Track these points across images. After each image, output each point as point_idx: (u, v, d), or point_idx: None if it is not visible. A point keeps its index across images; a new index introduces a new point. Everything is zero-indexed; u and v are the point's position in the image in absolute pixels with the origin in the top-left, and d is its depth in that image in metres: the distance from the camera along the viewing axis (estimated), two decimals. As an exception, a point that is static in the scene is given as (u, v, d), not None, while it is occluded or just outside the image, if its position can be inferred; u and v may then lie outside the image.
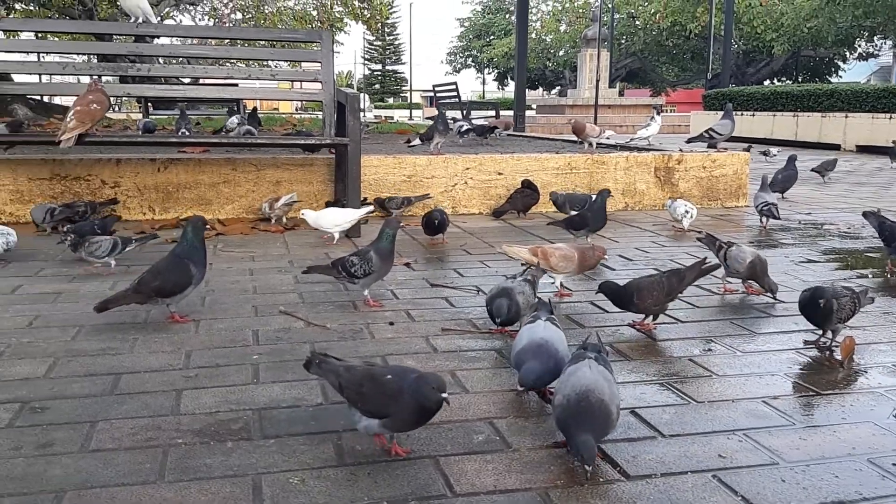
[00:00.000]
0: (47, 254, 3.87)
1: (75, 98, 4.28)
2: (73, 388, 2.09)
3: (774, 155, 10.36)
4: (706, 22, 27.31)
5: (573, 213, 4.81)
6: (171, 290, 2.66)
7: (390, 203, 5.05)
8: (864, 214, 3.91)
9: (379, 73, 74.39)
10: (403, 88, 70.51)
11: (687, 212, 4.70)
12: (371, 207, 4.48)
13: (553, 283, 3.16)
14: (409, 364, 2.32)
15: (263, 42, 5.60)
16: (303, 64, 5.35)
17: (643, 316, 2.72)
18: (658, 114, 7.14)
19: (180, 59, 8.19)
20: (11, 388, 2.09)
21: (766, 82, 39.64)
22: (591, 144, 6.18)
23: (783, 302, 3.08)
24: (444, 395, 1.62)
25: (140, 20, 4.89)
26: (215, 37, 5.70)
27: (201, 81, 8.74)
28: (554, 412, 1.71)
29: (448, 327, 2.70)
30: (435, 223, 4.22)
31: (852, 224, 5.11)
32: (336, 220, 4.28)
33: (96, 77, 4.63)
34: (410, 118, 41.08)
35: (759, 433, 1.86)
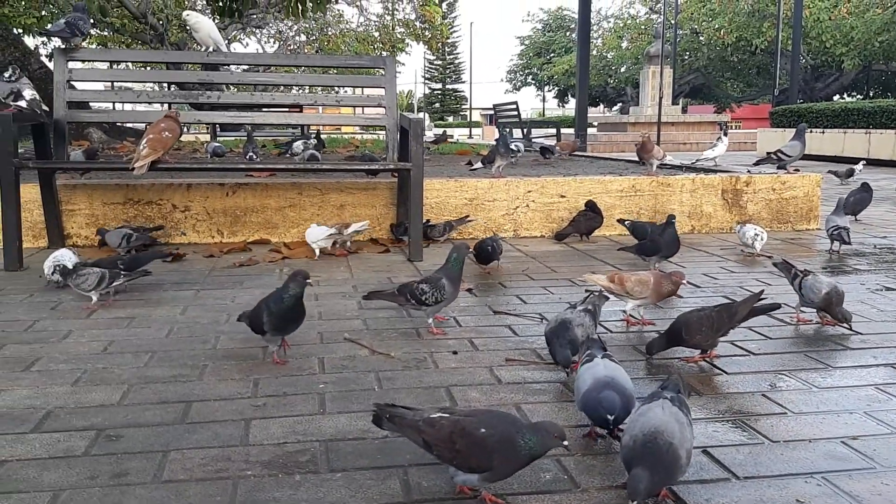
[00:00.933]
0: (121, 277, 3.98)
1: (147, 125, 4.41)
2: (145, 416, 2.14)
3: (860, 171, 9.80)
4: (773, 37, 26.78)
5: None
6: (256, 329, 2.65)
7: (432, 231, 5.03)
8: None
9: (439, 91, 75.04)
10: (463, 107, 70.93)
11: (757, 235, 4.59)
12: (333, 230, 4.62)
13: (627, 307, 3.11)
14: (473, 396, 2.31)
15: (330, 69, 5.70)
16: (366, 90, 5.42)
17: (699, 351, 2.66)
18: (724, 134, 7.00)
19: (249, 85, 8.41)
20: (88, 415, 2.15)
21: (836, 97, 38.61)
22: (651, 166, 6.08)
23: (859, 333, 2.97)
24: (566, 442, 1.60)
25: (211, 49, 5.04)
26: (283, 64, 5.81)
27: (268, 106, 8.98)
28: (621, 452, 1.68)
29: (512, 357, 2.68)
30: (488, 250, 4.10)
31: (932, 248, 4.91)
32: (311, 236, 4.60)
33: (168, 104, 4.77)
34: (470, 136, 41.23)
35: (839, 477, 1.79)
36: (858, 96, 39.04)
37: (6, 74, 4.80)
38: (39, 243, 4.88)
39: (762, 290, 2.74)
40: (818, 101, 34.12)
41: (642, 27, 39.18)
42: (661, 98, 19.86)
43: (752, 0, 31.19)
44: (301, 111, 8.02)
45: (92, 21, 18.78)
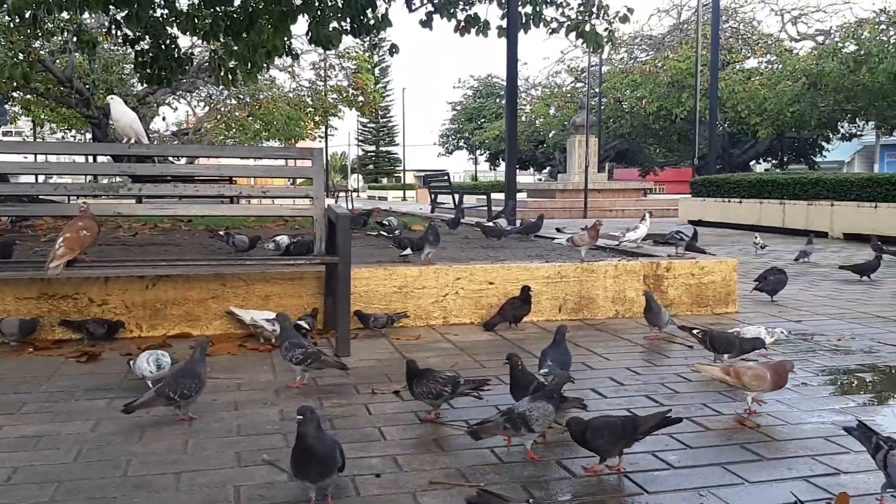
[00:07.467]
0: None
1: (65, 223, 4.29)
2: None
3: (765, 246, 10.53)
4: (691, 106, 27.99)
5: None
6: None
7: (375, 322, 5.07)
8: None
9: (373, 153, 75.65)
10: (397, 169, 71.59)
11: (770, 331, 4.30)
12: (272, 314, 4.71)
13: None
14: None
15: (252, 159, 5.67)
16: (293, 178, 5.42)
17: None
18: (650, 215, 7.21)
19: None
20: None
21: (752, 163, 40.46)
22: (582, 251, 6.16)
23: (774, 439, 3.03)
24: None
25: (132, 140, 4.96)
26: (208, 155, 5.77)
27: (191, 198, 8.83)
28: None
29: (436, 480, 2.63)
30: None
31: (842, 334, 5.10)
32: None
33: (85, 202, 4.66)
34: (404, 199, 41.54)
35: None
36: (773, 161, 41.00)
37: None
38: (-56, 341, 4.63)
39: (670, 409, 2.78)
40: (736, 166, 35.75)
41: (568, 95, 40.50)
42: (587, 166, 20.47)
43: (671, 72, 32.64)
44: (232, 202, 7.94)
45: (15, 85, 18.37)
